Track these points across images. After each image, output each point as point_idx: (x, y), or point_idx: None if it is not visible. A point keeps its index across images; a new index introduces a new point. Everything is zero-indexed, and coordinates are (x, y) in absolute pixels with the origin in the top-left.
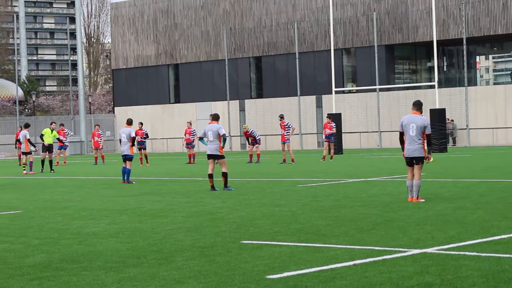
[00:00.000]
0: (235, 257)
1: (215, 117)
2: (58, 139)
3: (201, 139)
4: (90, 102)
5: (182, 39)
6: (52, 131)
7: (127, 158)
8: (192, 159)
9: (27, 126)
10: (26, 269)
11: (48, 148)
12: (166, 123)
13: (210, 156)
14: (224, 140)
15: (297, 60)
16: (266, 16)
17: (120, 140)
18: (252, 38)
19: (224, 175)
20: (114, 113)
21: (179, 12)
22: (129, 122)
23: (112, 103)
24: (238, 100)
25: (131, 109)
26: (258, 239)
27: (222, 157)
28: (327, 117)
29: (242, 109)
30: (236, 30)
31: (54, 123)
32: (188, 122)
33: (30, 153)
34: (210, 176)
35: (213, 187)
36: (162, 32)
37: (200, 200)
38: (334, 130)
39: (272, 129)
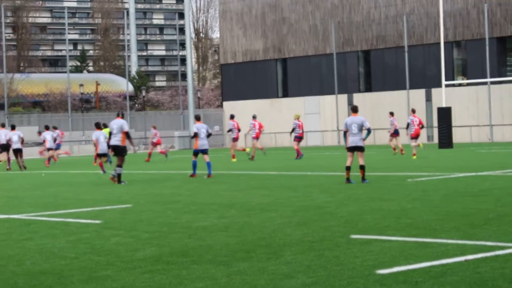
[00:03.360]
0: (344, 252)
1: (356, 109)
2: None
3: (344, 134)
4: (199, 97)
5: (290, 33)
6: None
7: (204, 152)
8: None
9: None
10: (137, 262)
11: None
12: (274, 118)
13: (352, 148)
14: (369, 132)
15: (406, 53)
16: (374, 9)
17: (196, 134)
18: (360, 31)
19: (362, 167)
20: (222, 107)
21: (287, 6)
22: (198, 118)
23: (220, 97)
24: (346, 94)
25: (239, 103)
26: (367, 234)
27: (364, 149)
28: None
29: (350, 103)
30: (344, 24)
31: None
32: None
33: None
34: (348, 168)
35: (348, 180)
36: (270, 27)
37: (308, 194)
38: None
39: (381, 123)
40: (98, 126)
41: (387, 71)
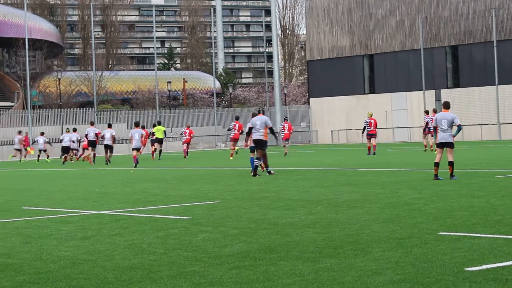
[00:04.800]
0: (432, 249)
1: (447, 105)
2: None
3: (434, 130)
4: (285, 94)
5: (377, 29)
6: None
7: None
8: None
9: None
10: (225, 258)
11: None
12: (360, 114)
13: (441, 145)
14: (459, 129)
15: (495, 48)
16: (462, 4)
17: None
18: (448, 26)
19: (451, 164)
20: (309, 104)
21: (374, 2)
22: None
23: (307, 94)
24: (433, 90)
25: (326, 100)
26: (456, 231)
27: (453, 145)
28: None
29: (438, 99)
30: (431, 19)
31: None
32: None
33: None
34: (437, 164)
35: (437, 176)
36: (357, 23)
37: (396, 191)
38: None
39: (469, 119)
40: (137, 125)
41: (475, 67)
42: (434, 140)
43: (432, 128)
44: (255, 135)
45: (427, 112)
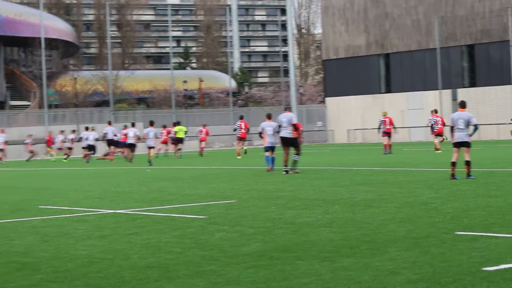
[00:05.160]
0: (449, 249)
1: (464, 105)
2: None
3: (450, 129)
4: (301, 93)
5: (393, 28)
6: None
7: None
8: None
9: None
10: (241, 257)
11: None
12: (376, 113)
13: (458, 144)
14: (476, 129)
15: (511, 47)
16: (478, 2)
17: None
18: (464, 26)
19: (468, 163)
20: (325, 103)
21: (390, 1)
22: (269, 117)
23: (323, 93)
24: (450, 89)
25: (341, 99)
26: (473, 230)
27: (470, 145)
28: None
29: (454, 98)
30: (447, 18)
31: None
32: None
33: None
34: (453, 164)
35: (453, 176)
36: (373, 22)
37: (413, 190)
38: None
39: (486, 119)
40: (152, 124)
41: (492, 66)
42: (437, 140)
43: (436, 128)
44: (283, 133)
45: (435, 111)
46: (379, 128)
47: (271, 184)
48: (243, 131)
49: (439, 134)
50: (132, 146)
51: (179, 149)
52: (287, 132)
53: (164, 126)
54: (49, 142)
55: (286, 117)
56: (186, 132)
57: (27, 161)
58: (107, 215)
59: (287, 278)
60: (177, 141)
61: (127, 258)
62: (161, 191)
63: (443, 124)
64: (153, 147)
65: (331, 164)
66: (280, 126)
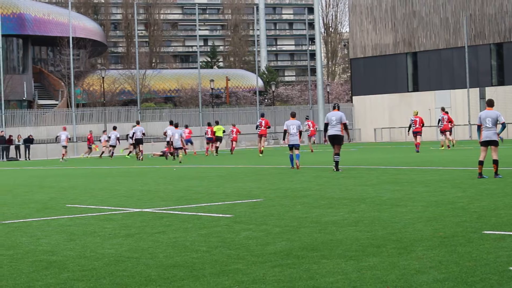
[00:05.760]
0: (476, 248)
1: (491, 103)
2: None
3: (478, 128)
4: (328, 92)
5: (421, 26)
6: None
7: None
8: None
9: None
10: (267, 256)
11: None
12: (404, 112)
13: (486, 143)
14: (503, 127)
15: None
16: (507, 1)
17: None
18: (493, 24)
19: (496, 162)
20: (352, 102)
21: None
22: (293, 115)
23: (350, 92)
24: (478, 88)
25: (368, 98)
26: (500, 230)
27: (498, 143)
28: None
29: (482, 97)
30: (476, 17)
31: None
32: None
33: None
34: (481, 163)
35: (481, 175)
36: (400, 20)
37: (440, 189)
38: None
39: None
40: (175, 125)
41: None
42: (444, 139)
43: (441, 125)
44: (331, 131)
45: (443, 110)
46: (409, 128)
47: (297, 183)
48: (262, 128)
49: (445, 130)
50: (179, 148)
51: (217, 147)
52: (336, 130)
53: (186, 126)
54: (90, 141)
55: (335, 115)
56: (224, 132)
57: (111, 157)
58: (134, 214)
59: (313, 277)
60: (217, 140)
61: (154, 257)
62: (187, 190)
63: (449, 122)
64: (180, 148)
65: (358, 163)
66: (327, 124)
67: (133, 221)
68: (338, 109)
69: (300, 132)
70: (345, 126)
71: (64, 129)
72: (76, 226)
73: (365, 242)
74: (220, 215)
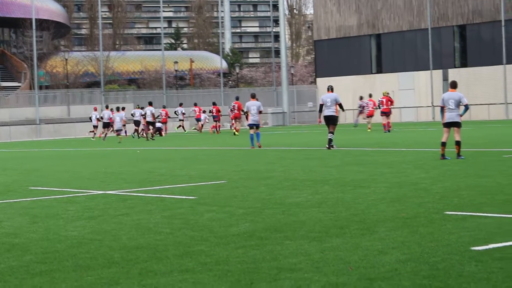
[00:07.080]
0: (438, 228)
1: (454, 85)
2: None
3: (441, 109)
4: (292, 73)
5: (385, 8)
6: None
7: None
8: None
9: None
10: (231, 237)
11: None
12: (368, 94)
13: (449, 124)
14: (466, 109)
15: (503, 28)
16: None
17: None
18: (456, 6)
19: (458, 143)
20: (316, 84)
21: None
22: (253, 96)
23: (314, 74)
24: (441, 70)
25: (333, 79)
26: (462, 210)
27: (460, 125)
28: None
29: (445, 78)
30: None
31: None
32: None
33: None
34: (443, 144)
35: (443, 156)
36: (364, 2)
37: (403, 170)
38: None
39: (476, 99)
40: (150, 104)
41: (483, 46)
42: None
43: (362, 109)
44: (327, 112)
45: (370, 96)
46: (378, 107)
47: (261, 165)
48: (236, 111)
49: (371, 115)
50: (150, 124)
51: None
52: (331, 111)
53: (164, 107)
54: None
55: (330, 97)
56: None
57: (152, 136)
58: (97, 196)
59: (276, 258)
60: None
61: (117, 239)
62: (151, 172)
63: (374, 107)
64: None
65: (322, 144)
66: (322, 106)
67: (96, 203)
68: (332, 91)
69: (260, 112)
70: (340, 106)
71: (95, 109)
72: (39, 209)
73: (328, 223)
74: (184, 197)
